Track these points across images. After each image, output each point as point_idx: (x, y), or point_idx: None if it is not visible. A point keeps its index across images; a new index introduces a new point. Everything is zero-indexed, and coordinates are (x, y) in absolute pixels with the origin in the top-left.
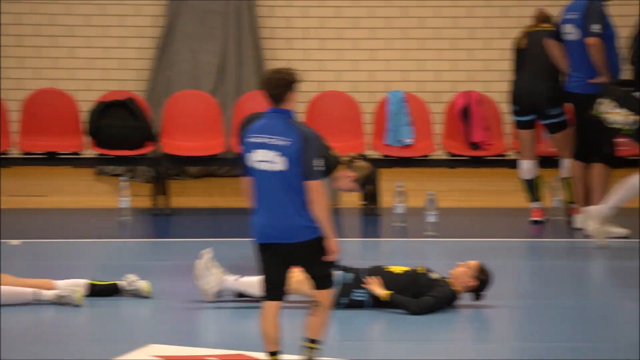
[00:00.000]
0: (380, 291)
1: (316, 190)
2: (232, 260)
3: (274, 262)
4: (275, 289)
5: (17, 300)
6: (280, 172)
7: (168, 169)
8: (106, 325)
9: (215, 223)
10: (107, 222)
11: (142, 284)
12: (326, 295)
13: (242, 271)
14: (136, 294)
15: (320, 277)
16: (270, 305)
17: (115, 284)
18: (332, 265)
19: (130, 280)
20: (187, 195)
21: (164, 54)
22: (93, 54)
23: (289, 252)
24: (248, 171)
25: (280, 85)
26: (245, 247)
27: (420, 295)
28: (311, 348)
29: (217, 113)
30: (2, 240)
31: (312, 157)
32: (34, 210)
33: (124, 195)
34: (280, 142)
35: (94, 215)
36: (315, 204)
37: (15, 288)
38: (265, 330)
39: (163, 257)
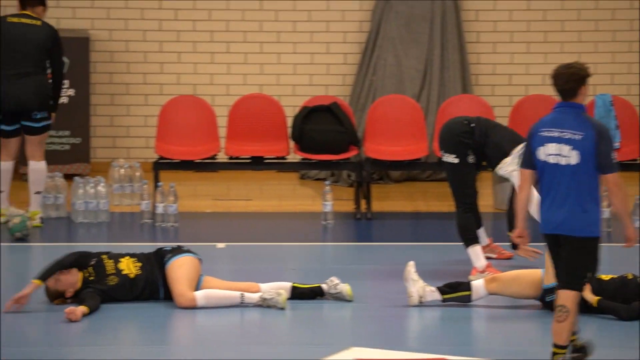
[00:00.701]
0: (590, 296)
1: (614, 183)
2: (433, 266)
3: (556, 251)
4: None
5: (225, 303)
6: (571, 165)
7: (371, 173)
8: (309, 327)
9: (417, 227)
10: (310, 226)
11: (345, 287)
12: (572, 297)
13: (443, 277)
14: (338, 297)
15: (576, 277)
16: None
17: (318, 287)
18: (592, 269)
19: (333, 284)
20: (389, 200)
21: (369, 59)
22: (299, 60)
23: (567, 244)
24: (534, 164)
25: (572, 79)
26: (447, 252)
27: (629, 301)
28: (557, 354)
29: (421, 118)
30: (208, 244)
31: (608, 150)
32: (239, 214)
33: (327, 200)
34: (574, 136)
35: (298, 219)
36: (614, 196)
37: (224, 291)
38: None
39: (365, 260)
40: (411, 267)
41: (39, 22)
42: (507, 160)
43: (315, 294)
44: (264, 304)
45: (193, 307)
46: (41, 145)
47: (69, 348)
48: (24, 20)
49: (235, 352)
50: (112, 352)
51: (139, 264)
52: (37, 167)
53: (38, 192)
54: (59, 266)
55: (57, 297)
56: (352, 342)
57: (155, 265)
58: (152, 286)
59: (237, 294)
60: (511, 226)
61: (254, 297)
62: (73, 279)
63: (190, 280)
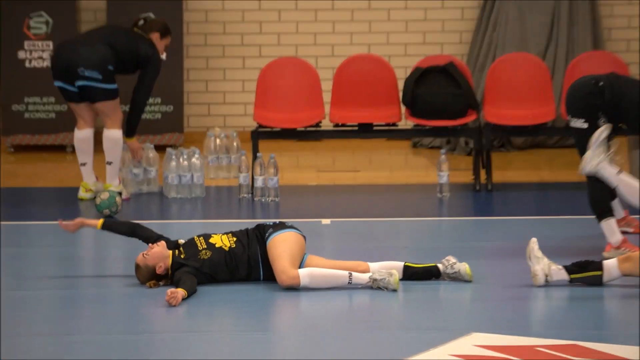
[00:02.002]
0: None
1: None
2: (561, 242)
3: None
4: None
5: (331, 283)
6: None
7: (491, 140)
8: (424, 311)
9: (542, 199)
10: (424, 199)
11: (463, 266)
12: None
13: (571, 254)
14: (456, 277)
15: None
16: None
17: (434, 266)
18: None
19: (450, 263)
20: (511, 169)
21: (488, 13)
22: (411, 16)
23: None
24: None
25: None
26: (576, 226)
27: None
28: None
29: (547, 77)
30: (312, 220)
31: None
32: (346, 187)
33: (443, 170)
34: None
35: (410, 191)
36: None
37: (330, 270)
38: None
39: (485, 237)
40: (534, 243)
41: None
42: (587, 155)
43: (431, 274)
44: (374, 285)
45: (296, 286)
46: (105, 116)
47: (161, 335)
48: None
49: (344, 339)
50: (209, 340)
51: (234, 239)
52: (106, 134)
53: (109, 163)
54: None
55: (148, 278)
56: (472, 327)
57: (254, 240)
58: (250, 262)
59: (345, 273)
60: None
61: (363, 277)
62: (163, 252)
63: (294, 257)
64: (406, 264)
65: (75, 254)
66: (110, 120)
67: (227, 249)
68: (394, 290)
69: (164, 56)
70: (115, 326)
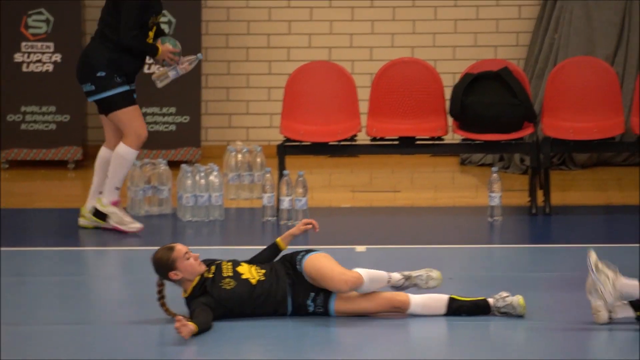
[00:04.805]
0: None
1: None
2: (630, 273)
3: None
4: None
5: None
6: None
7: (551, 157)
8: (472, 351)
9: (608, 224)
10: (474, 224)
11: (516, 299)
12: None
13: None
14: (507, 312)
15: None
16: None
17: (483, 300)
18: None
19: (502, 297)
20: (573, 190)
21: (550, 11)
22: (460, 14)
23: None
24: None
25: None
26: None
27: None
28: None
29: (616, 85)
30: (345, 247)
31: None
32: (384, 209)
33: (495, 190)
34: None
35: (457, 214)
36: None
37: (376, 271)
38: None
39: (542, 266)
40: (593, 256)
41: None
42: (593, 285)
43: (479, 308)
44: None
45: (360, 285)
46: (121, 128)
47: None
48: None
49: None
50: None
51: (263, 271)
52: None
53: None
54: None
55: (160, 272)
56: None
57: (282, 272)
58: (278, 297)
59: (385, 275)
60: None
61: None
62: (199, 267)
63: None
64: (452, 296)
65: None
66: (123, 133)
67: (254, 282)
68: (435, 287)
69: None
70: None
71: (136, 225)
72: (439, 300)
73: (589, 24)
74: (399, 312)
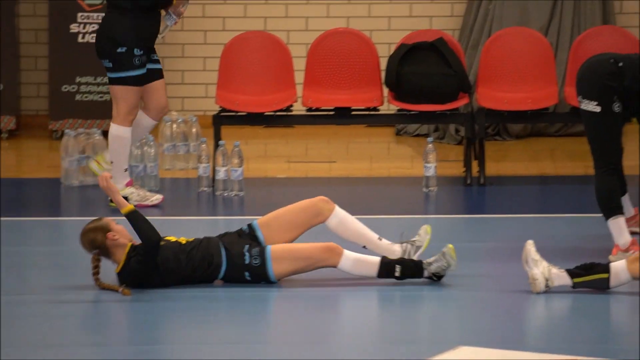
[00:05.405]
0: None
1: None
2: (564, 243)
3: None
4: None
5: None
6: None
7: (485, 127)
8: (404, 320)
9: (542, 195)
10: (409, 194)
11: (446, 248)
12: None
13: (575, 257)
14: (440, 269)
15: None
16: None
17: (416, 261)
18: None
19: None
20: (508, 161)
21: None
22: None
23: None
24: None
25: None
26: (581, 225)
27: None
28: None
29: (550, 56)
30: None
31: None
32: (320, 180)
33: (430, 161)
34: None
35: (393, 185)
36: None
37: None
38: None
39: (477, 237)
40: (530, 245)
41: None
42: (532, 275)
43: (411, 269)
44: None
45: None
46: (114, 102)
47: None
48: None
49: (323, 350)
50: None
51: (192, 239)
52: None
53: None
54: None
55: (93, 245)
56: (461, 340)
57: (215, 238)
58: (210, 248)
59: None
60: None
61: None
62: (128, 233)
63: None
64: (384, 258)
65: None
66: (114, 109)
67: (184, 241)
68: None
69: None
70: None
71: (157, 197)
72: (371, 261)
73: None
74: (332, 262)
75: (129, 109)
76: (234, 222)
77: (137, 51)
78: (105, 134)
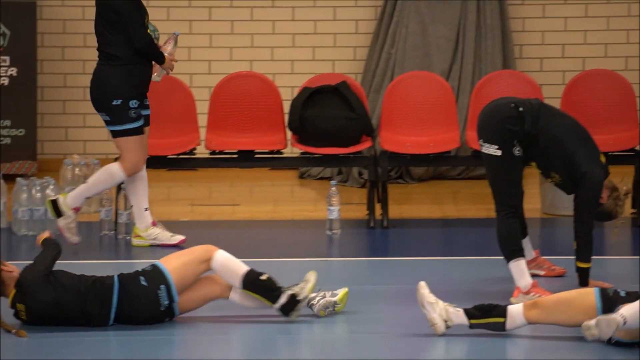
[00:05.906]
0: None
1: None
2: (466, 285)
3: None
4: None
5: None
6: None
7: (388, 171)
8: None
9: (445, 237)
10: (312, 237)
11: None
12: None
13: (477, 299)
14: (325, 302)
15: None
16: None
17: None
18: None
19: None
20: (410, 203)
21: (386, 26)
22: (298, 28)
23: None
24: None
25: None
26: (483, 268)
27: None
28: None
29: (451, 100)
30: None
31: None
32: (224, 223)
33: (333, 204)
34: None
35: (296, 228)
36: None
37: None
38: None
39: (380, 280)
40: (423, 288)
41: None
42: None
43: (271, 291)
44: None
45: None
46: (120, 154)
47: None
48: None
49: None
50: None
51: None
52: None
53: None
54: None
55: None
56: None
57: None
58: (103, 277)
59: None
60: None
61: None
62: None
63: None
64: (250, 270)
65: None
66: (121, 157)
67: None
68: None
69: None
70: None
71: (179, 237)
72: (237, 270)
73: (424, 40)
74: (208, 255)
75: (137, 158)
76: (137, 265)
77: (132, 103)
78: (5, 177)
